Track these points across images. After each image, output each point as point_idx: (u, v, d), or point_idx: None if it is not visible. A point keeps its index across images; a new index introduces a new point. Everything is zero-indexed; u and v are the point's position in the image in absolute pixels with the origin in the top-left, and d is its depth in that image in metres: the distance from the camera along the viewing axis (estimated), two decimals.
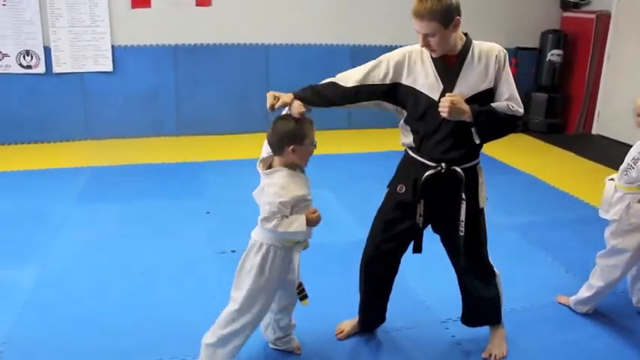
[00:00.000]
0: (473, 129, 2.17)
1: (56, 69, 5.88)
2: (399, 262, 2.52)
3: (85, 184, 4.76)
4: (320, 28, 6.60)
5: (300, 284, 2.26)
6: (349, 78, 2.30)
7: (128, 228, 3.90)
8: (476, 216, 2.36)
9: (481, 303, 2.54)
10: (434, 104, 2.18)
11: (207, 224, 4.00)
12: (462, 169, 2.26)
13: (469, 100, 2.15)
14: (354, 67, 2.34)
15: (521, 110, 2.22)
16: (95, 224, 3.95)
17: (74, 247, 3.58)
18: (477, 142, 2.21)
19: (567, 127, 7.29)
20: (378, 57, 2.32)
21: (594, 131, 7.14)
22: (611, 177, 2.82)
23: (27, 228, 3.85)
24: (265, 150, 2.26)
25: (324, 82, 2.35)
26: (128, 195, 4.53)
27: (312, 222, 2.16)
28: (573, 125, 7.25)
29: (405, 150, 2.42)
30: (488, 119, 2.16)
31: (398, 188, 2.38)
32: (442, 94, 2.16)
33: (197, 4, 6.14)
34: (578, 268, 3.39)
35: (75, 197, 4.45)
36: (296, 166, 2.21)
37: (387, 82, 2.27)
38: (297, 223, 2.12)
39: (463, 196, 2.26)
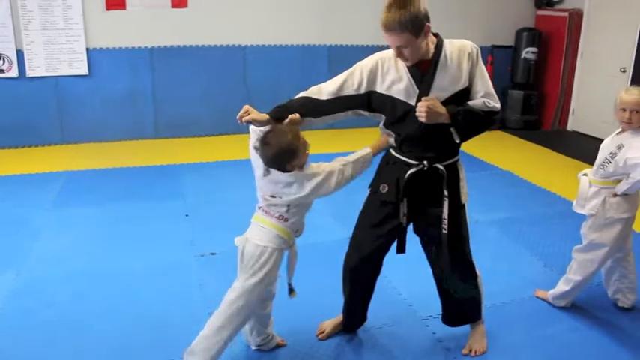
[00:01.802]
0: (452, 129, 2.18)
1: (30, 73, 5.79)
2: (382, 262, 2.52)
3: (61, 188, 4.70)
4: (297, 29, 6.60)
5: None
6: (323, 91, 2.28)
7: (106, 232, 3.86)
8: (457, 212, 2.37)
9: (461, 304, 2.56)
10: (411, 109, 2.19)
11: (187, 227, 3.97)
12: (443, 166, 2.27)
13: (446, 102, 2.16)
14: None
15: (498, 105, 2.22)
16: (73, 229, 3.90)
17: (52, 253, 3.53)
18: (457, 141, 2.22)
19: (543, 124, 7.40)
20: (354, 62, 2.32)
21: (569, 127, 7.26)
22: (584, 172, 2.86)
23: (3, 234, 3.78)
24: (254, 137, 2.24)
25: (296, 97, 2.31)
26: (106, 199, 4.48)
27: (377, 147, 2.34)
28: (549, 122, 7.36)
29: (386, 150, 2.42)
30: (465, 119, 2.16)
31: (381, 188, 2.37)
32: (418, 99, 2.16)
33: (173, 6, 6.09)
34: (556, 262, 3.44)
35: (52, 202, 4.38)
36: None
37: (362, 91, 2.26)
38: (366, 155, 2.30)
39: (445, 192, 2.27)
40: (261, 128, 2.18)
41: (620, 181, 2.66)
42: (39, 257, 3.47)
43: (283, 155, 2.12)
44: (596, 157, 2.78)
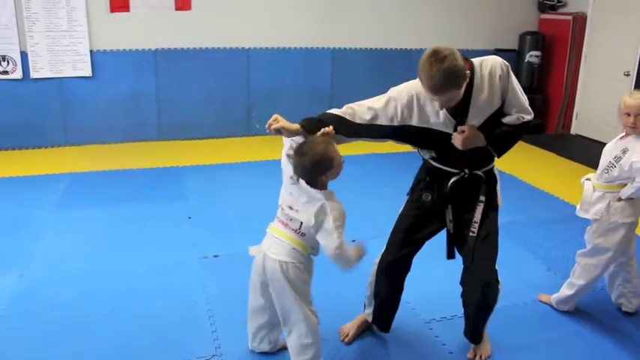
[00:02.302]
0: (489, 148, 2.29)
1: (34, 74, 5.80)
2: (412, 262, 2.58)
3: (64, 190, 4.70)
4: (301, 32, 6.60)
5: None
6: (356, 115, 2.27)
7: (109, 233, 3.86)
8: (492, 214, 2.42)
9: (483, 315, 2.50)
10: (449, 136, 2.26)
11: (190, 229, 3.97)
12: (483, 172, 2.37)
13: (483, 125, 2.23)
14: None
15: (531, 116, 2.29)
16: (76, 230, 3.90)
17: (55, 254, 3.53)
18: (496, 156, 2.34)
19: (547, 128, 7.38)
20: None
21: (573, 131, 7.24)
22: (587, 177, 2.85)
23: (6, 235, 3.79)
24: (287, 145, 2.22)
25: (328, 112, 2.30)
26: (109, 201, 4.48)
27: (359, 257, 2.25)
28: (552, 125, 7.34)
29: (424, 159, 2.47)
30: (501, 138, 2.27)
31: (423, 197, 2.45)
32: (455, 128, 2.24)
33: (176, 8, 6.10)
34: (560, 266, 3.43)
35: (55, 204, 4.39)
36: None
37: (395, 124, 2.28)
38: (354, 257, 2.22)
39: (482, 198, 2.36)
40: (295, 138, 2.17)
41: (624, 185, 2.65)
42: (42, 258, 3.47)
43: (317, 166, 2.11)
44: (599, 161, 2.77)
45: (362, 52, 6.78)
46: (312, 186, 2.15)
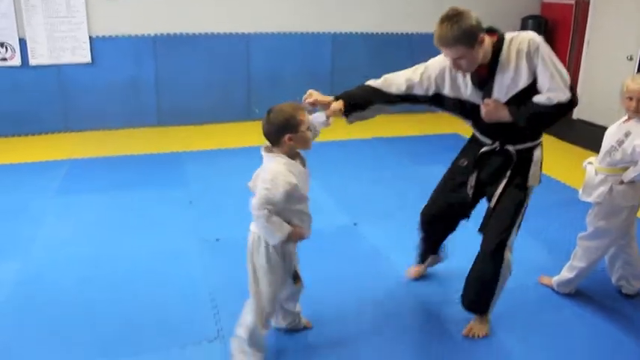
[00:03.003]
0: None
1: (32, 61, 5.77)
2: (455, 222, 2.75)
3: (65, 176, 4.70)
4: (301, 16, 6.56)
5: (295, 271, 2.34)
6: (393, 85, 2.42)
7: (110, 219, 3.86)
8: (519, 192, 2.41)
9: (473, 286, 2.54)
10: (478, 106, 2.31)
11: (191, 214, 3.97)
12: (516, 149, 2.37)
13: (510, 101, 2.23)
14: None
15: (565, 97, 2.17)
16: (77, 216, 3.90)
17: (56, 240, 3.53)
18: (528, 132, 2.34)
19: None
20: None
21: (575, 116, 7.20)
22: (589, 160, 2.84)
23: (7, 222, 3.79)
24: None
25: (365, 85, 2.46)
26: (109, 186, 4.48)
27: (294, 236, 2.16)
28: None
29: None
30: (529, 118, 2.23)
31: (461, 162, 2.58)
32: (483, 99, 2.28)
33: None
34: (561, 249, 3.43)
35: (55, 190, 4.39)
36: (296, 156, 2.19)
37: (430, 94, 2.40)
38: (280, 233, 2.11)
39: (507, 173, 2.38)
40: (315, 116, 2.26)
41: (626, 168, 2.65)
42: (43, 244, 3.48)
43: (283, 123, 2.09)
44: (601, 144, 2.76)
45: (362, 37, 6.74)
46: (274, 145, 2.15)
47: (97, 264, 3.23)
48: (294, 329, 2.59)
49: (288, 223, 2.14)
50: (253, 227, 2.24)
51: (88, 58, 5.94)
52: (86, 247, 3.44)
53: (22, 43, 5.70)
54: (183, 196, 4.29)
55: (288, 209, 2.14)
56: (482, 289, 2.52)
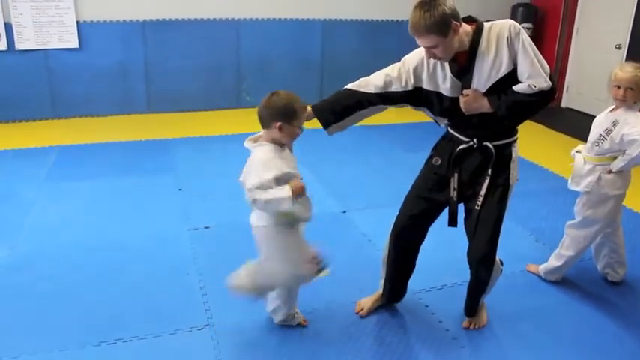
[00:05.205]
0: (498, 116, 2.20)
1: (19, 46, 5.70)
2: (426, 232, 2.54)
3: (53, 163, 4.66)
4: (291, 2, 6.51)
5: (316, 256, 2.32)
6: (370, 83, 2.34)
7: (99, 206, 3.85)
8: (502, 191, 2.36)
9: (470, 294, 2.55)
10: (457, 100, 2.24)
11: (180, 201, 3.96)
12: (494, 145, 2.30)
13: (490, 90, 2.16)
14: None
15: (546, 84, 2.12)
16: (65, 203, 3.88)
17: (44, 227, 3.52)
18: (507, 124, 2.28)
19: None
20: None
21: (563, 104, 7.25)
22: (577, 149, 2.87)
23: None
24: None
25: (341, 90, 2.39)
26: (98, 173, 4.46)
27: (296, 190, 2.12)
28: None
29: (445, 127, 2.47)
30: (509, 107, 2.16)
31: (434, 160, 2.44)
32: (461, 91, 2.21)
33: None
34: (547, 237, 3.46)
35: (43, 177, 4.36)
36: (282, 144, 2.19)
37: (410, 88, 2.30)
38: (282, 193, 2.09)
39: (489, 172, 2.31)
40: None
41: (615, 157, 2.67)
42: (31, 231, 3.46)
43: (280, 109, 2.11)
44: (589, 133, 2.78)
45: (352, 23, 6.70)
46: (264, 127, 2.16)
47: (86, 251, 3.22)
48: (288, 323, 2.59)
49: None
50: (255, 221, 2.23)
51: (75, 44, 5.87)
52: (75, 234, 3.42)
53: (8, 27, 5.62)
54: (173, 183, 4.27)
55: None
56: (475, 294, 2.55)
